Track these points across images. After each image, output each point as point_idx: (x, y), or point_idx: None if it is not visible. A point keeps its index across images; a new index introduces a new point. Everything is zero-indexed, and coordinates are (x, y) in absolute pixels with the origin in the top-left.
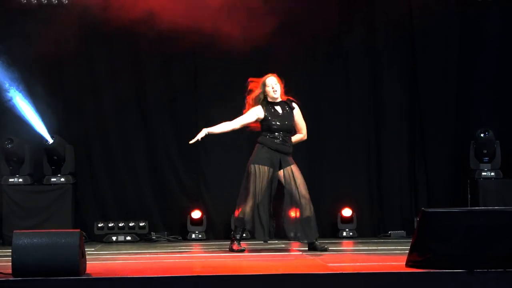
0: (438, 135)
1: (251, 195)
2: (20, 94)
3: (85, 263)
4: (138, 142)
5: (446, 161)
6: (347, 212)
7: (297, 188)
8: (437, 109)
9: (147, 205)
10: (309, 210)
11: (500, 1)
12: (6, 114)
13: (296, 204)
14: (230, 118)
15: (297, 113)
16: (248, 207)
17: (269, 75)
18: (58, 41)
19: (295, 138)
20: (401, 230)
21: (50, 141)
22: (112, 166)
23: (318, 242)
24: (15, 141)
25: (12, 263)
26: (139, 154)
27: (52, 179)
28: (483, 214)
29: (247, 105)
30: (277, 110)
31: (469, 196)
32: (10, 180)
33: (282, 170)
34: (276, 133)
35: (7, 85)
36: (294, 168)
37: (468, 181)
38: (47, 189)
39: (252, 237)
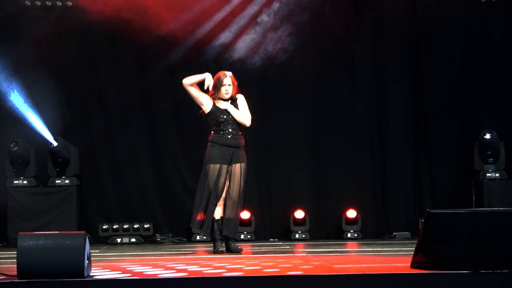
0: (442, 136)
1: (205, 195)
2: (22, 97)
3: (90, 265)
4: (142, 144)
5: (451, 162)
6: (351, 213)
7: (237, 188)
8: (442, 110)
9: (152, 207)
10: (234, 213)
11: (503, 2)
12: (10, 117)
13: (230, 201)
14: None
15: (241, 102)
16: (203, 207)
17: (225, 74)
18: (62, 43)
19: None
20: (405, 232)
21: (54, 143)
22: (117, 168)
23: (234, 244)
24: (20, 143)
25: (17, 265)
26: (144, 156)
27: (57, 181)
28: (488, 215)
29: None
30: (223, 104)
31: (474, 197)
32: (15, 182)
33: (232, 165)
34: (223, 127)
35: (5, 86)
36: (243, 166)
37: (473, 182)
38: (52, 191)
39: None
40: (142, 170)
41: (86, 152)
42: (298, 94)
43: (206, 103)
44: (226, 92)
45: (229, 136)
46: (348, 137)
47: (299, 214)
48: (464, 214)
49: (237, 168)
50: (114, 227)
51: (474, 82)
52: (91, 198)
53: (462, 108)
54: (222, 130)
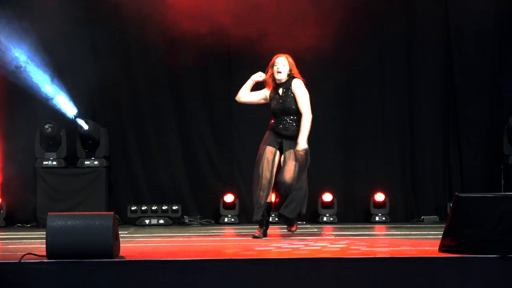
0: (472, 120)
1: (257, 178)
2: (51, 78)
3: (119, 246)
4: (172, 126)
5: (480, 147)
6: (380, 197)
7: (283, 173)
8: (471, 94)
9: (180, 189)
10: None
11: None
12: (40, 98)
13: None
14: (264, 104)
15: (296, 92)
16: (256, 190)
17: (279, 55)
18: (93, 25)
19: (302, 123)
20: (434, 215)
21: (85, 127)
22: (146, 150)
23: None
24: (54, 125)
25: (46, 245)
26: (173, 138)
27: (86, 162)
28: None
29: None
30: (278, 92)
31: (503, 181)
32: (44, 163)
33: (283, 154)
34: (275, 117)
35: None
36: (292, 152)
37: (502, 166)
38: (81, 172)
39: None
40: (171, 152)
41: (116, 133)
42: (328, 77)
43: (267, 93)
44: (278, 71)
45: (280, 126)
46: (377, 121)
47: (327, 197)
48: (493, 198)
49: (286, 154)
50: (143, 208)
51: (504, 67)
52: (120, 180)
53: (492, 92)
54: (275, 119)
